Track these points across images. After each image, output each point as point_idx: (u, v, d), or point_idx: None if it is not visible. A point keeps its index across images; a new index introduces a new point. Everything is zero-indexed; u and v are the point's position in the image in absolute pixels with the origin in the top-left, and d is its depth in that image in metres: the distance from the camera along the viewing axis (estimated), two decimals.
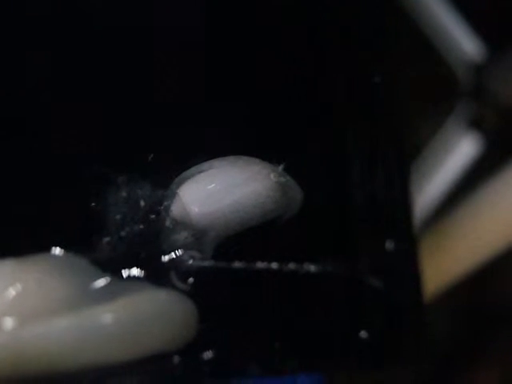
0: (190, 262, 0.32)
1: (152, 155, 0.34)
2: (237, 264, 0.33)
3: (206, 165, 0.34)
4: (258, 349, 0.32)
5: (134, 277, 0.32)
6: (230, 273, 0.33)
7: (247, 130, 0.35)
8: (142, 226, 0.32)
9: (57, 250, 0.32)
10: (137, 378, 0.31)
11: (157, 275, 0.32)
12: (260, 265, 0.33)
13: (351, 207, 0.34)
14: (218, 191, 0.33)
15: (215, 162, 0.34)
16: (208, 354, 0.31)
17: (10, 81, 0.33)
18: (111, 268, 0.31)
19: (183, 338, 0.31)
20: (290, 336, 0.32)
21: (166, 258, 0.32)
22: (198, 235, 0.33)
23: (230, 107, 0.36)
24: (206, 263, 0.32)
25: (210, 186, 0.33)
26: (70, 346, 0.29)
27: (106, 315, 0.29)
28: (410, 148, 0.76)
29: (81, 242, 0.32)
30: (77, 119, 0.34)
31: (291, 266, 0.33)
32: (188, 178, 0.33)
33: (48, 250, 0.31)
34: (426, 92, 0.74)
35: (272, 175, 0.33)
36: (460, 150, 0.74)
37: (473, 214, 0.70)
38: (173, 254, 0.32)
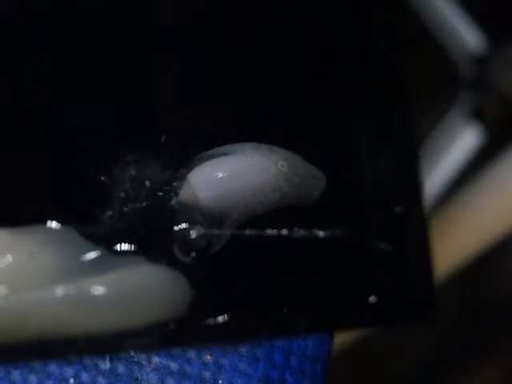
0: (194, 235, 0.33)
1: (165, 136, 0.34)
2: (247, 231, 0.33)
3: (216, 150, 0.34)
4: (269, 311, 0.33)
5: (130, 252, 0.32)
6: (241, 240, 0.34)
7: (259, 115, 0.36)
8: (145, 204, 0.33)
9: (52, 223, 0.32)
10: (151, 340, 0.32)
11: (159, 249, 0.33)
12: (270, 232, 0.33)
13: (360, 174, 0.35)
14: (227, 177, 0.33)
15: (226, 148, 0.34)
16: (219, 318, 0.32)
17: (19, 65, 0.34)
18: (110, 242, 0.32)
19: (172, 313, 0.32)
20: (299, 299, 0.33)
21: (169, 233, 0.33)
22: (213, 222, 0.33)
23: (244, 94, 0.36)
24: (215, 232, 0.33)
25: (219, 172, 0.33)
26: (61, 314, 0.30)
27: (97, 287, 0.30)
28: (414, 138, 0.77)
29: (82, 215, 0.32)
30: (93, 96, 0.34)
31: (301, 232, 0.33)
32: (199, 162, 0.34)
33: (46, 221, 0.32)
34: (428, 83, 0.74)
35: (280, 163, 0.34)
36: (462, 141, 0.75)
37: (475, 203, 0.70)
38: (175, 228, 0.33)
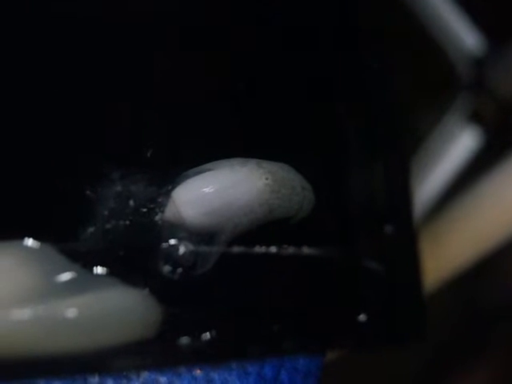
0: (181, 252, 0.33)
1: (151, 151, 0.34)
2: (235, 248, 0.33)
3: (203, 167, 0.34)
4: (258, 331, 0.32)
5: (107, 271, 0.32)
6: (228, 257, 0.33)
7: (248, 130, 0.36)
8: (129, 221, 0.33)
9: (29, 241, 0.32)
10: (139, 359, 0.31)
11: (141, 268, 0.32)
12: (258, 249, 0.33)
13: (350, 193, 0.35)
14: (212, 194, 0.33)
15: (213, 165, 0.34)
16: (208, 336, 0.32)
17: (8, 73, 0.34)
18: (89, 259, 0.32)
19: (142, 335, 0.32)
20: (289, 318, 0.33)
21: (153, 250, 0.33)
22: (200, 239, 0.33)
23: (231, 108, 0.36)
24: (203, 249, 0.33)
25: (204, 189, 0.33)
26: (31, 335, 0.30)
27: (68, 309, 0.30)
28: (411, 140, 0.77)
29: (63, 232, 0.32)
30: (78, 110, 0.34)
31: (290, 249, 0.33)
32: (185, 178, 0.34)
33: (23, 238, 0.31)
34: (426, 85, 0.74)
35: (264, 177, 0.33)
36: (460, 143, 0.75)
37: (473, 206, 0.70)
38: (163, 244, 0.33)
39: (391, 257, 0.33)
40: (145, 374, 0.33)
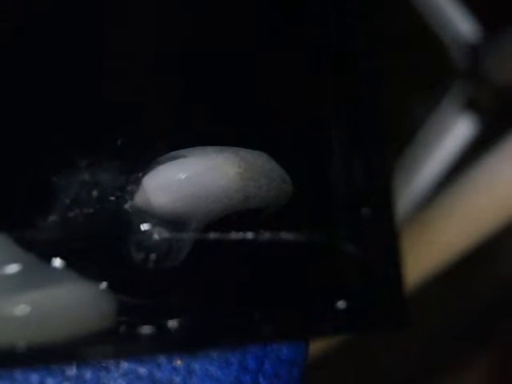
0: (155, 237, 0.33)
1: (121, 140, 0.33)
2: (211, 235, 0.33)
3: (176, 153, 0.33)
4: (237, 318, 0.32)
5: (63, 263, 0.31)
6: (204, 244, 0.33)
7: (229, 119, 0.35)
8: (94, 209, 0.32)
9: None
10: (113, 348, 0.31)
11: (106, 256, 0.32)
12: (235, 235, 0.33)
13: (328, 176, 0.34)
14: (183, 181, 0.32)
15: (186, 151, 0.33)
16: (185, 324, 0.31)
17: None
18: (47, 249, 0.31)
19: (97, 328, 0.31)
20: (266, 305, 0.33)
21: (122, 238, 0.32)
22: (177, 226, 0.33)
23: (208, 95, 0.35)
24: (175, 236, 0.33)
25: (175, 175, 0.33)
26: None
27: (21, 306, 0.30)
28: (406, 128, 0.76)
29: (22, 220, 0.31)
30: (48, 95, 0.33)
31: (267, 235, 0.33)
32: (156, 165, 0.33)
33: None
34: (421, 73, 0.74)
35: (238, 165, 0.33)
36: (456, 130, 0.74)
37: (468, 193, 0.70)
38: (135, 231, 0.33)
39: (370, 242, 0.33)
40: (124, 366, 0.33)
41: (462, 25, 0.74)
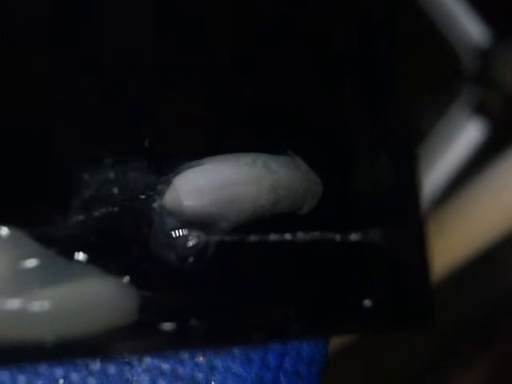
0: (183, 236, 0.33)
1: (148, 141, 0.33)
2: (239, 236, 0.33)
3: (205, 159, 0.33)
4: (262, 315, 0.32)
5: (87, 259, 0.32)
6: (232, 245, 0.33)
7: (255, 121, 0.35)
8: (117, 207, 0.32)
9: (3, 229, 0.30)
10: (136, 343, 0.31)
11: (137, 250, 0.32)
12: (263, 236, 0.33)
13: (356, 177, 0.35)
14: (215, 187, 0.33)
15: (216, 158, 0.34)
16: (213, 322, 0.31)
17: None
18: (66, 246, 0.31)
19: (119, 324, 0.31)
20: (293, 303, 0.33)
21: (148, 237, 0.33)
22: (204, 227, 0.33)
23: (236, 100, 0.35)
24: (204, 236, 0.32)
25: (208, 181, 0.33)
26: (6, 325, 0.29)
27: (45, 301, 0.29)
28: (415, 133, 0.76)
29: (46, 218, 0.31)
30: (76, 95, 0.33)
31: (294, 236, 0.33)
32: (187, 168, 0.33)
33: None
34: (431, 77, 0.74)
35: (269, 177, 0.33)
36: (465, 135, 0.74)
37: (478, 197, 0.70)
38: (172, 233, 0.33)
39: (398, 242, 0.33)
40: (147, 361, 0.33)
41: (473, 30, 0.74)
